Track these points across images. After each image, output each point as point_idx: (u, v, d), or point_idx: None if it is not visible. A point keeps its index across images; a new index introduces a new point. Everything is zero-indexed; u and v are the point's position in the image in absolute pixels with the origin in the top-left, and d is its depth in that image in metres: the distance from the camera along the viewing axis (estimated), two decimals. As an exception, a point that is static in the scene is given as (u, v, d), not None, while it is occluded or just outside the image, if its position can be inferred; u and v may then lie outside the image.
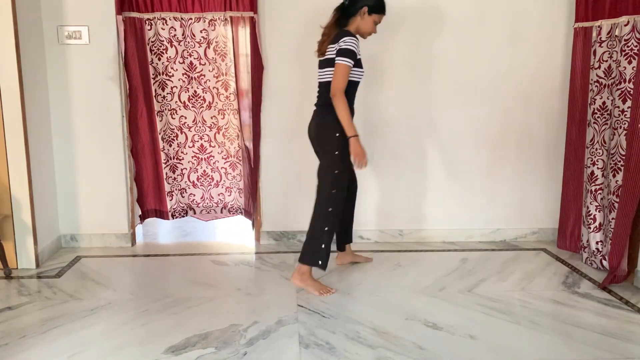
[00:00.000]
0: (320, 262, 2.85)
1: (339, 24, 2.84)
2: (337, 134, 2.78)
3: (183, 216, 3.90)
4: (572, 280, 3.08)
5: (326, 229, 2.83)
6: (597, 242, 3.24)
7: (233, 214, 3.94)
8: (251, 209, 3.76)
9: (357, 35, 2.83)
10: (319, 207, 2.86)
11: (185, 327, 2.49)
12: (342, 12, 2.85)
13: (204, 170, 3.84)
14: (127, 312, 2.67)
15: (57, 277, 3.13)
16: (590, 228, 3.28)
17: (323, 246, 2.83)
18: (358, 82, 2.86)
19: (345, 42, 2.71)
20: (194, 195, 3.88)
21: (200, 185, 3.87)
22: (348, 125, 2.74)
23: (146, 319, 2.58)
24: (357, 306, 2.74)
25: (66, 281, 3.07)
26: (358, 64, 2.79)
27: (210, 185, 3.88)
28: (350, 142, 2.75)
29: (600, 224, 3.24)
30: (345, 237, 3.29)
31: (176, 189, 3.84)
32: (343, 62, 2.70)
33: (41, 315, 2.63)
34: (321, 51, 2.85)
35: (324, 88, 2.85)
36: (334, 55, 2.75)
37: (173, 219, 3.87)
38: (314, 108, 2.97)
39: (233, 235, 4.00)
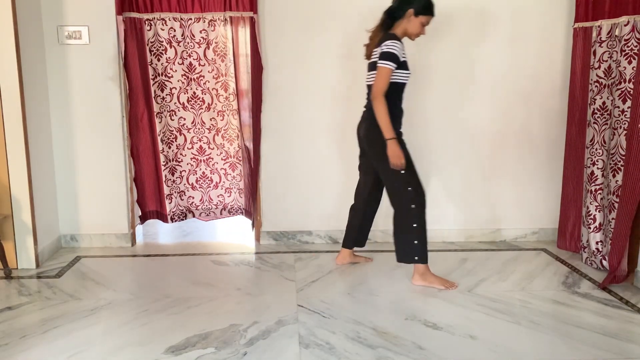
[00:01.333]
0: (416, 258, 2.92)
1: (385, 27, 2.87)
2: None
3: (182, 219, 3.89)
4: (572, 280, 3.08)
5: (414, 225, 2.88)
6: (597, 242, 3.24)
7: (233, 214, 3.94)
8: (251, 208, 3.76)
9: (403, 38, 2.87)
10: (400, 208, 2.90)
11: (185, 327, 2.49)
12: (388, 15, 2.87)
13: (203, 172, 3.83)
14: (127, 312, 2.67)
15: (57, 277, 3.13)
16: (590, 228, 3.28)
17: (416, 242, 2.90)
18: (405, 84, 2.89)
19: (387, 46, 2.75)
20: (193, 197, 3.87)
21: (200, 187, 3.86)
22: (386, 128, 2.77)
23: (146, 319, 2.58)
24: (357, 306, 2.74)
25: (66, 281, 3.07)
26: (403, 65, 2.82)
27: (210, 187, 3.87)
28: (387, 144, 2.78)
29: (600, 224, 3.24)
30: (358, 239, 3.29)
31: (175, 192, 3.82)
32: (383, 65, 2.75)
33: (41, 315, 2.63)
34: (367, 54, 2.92)
35: (370, 91, 2.88)
36: (377, 59, 2.80)
37: (172, 222, 3.86)
38: (364, 109, 3.01)
39: (233, 235, 4.00)
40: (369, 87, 2.92)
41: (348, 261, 3.32)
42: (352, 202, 3.29)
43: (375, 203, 3.21)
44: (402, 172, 2.83)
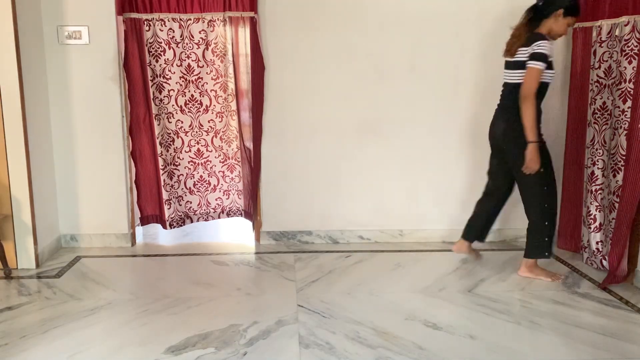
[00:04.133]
0: (546, 254, 3.03)
1: (531, 26, 2.86)
2: None
3: (181, 225, 3.84)
4: (572, 280, 3.08)
5: (546, 223, 2.98)
6: (597, 242, 3.24)
7: (232, 216, 3.92)
8: (251, 209, 3.75)
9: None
10: (534, 205, 2.98)
11: (185, 327, 2.49)
12: (534, 13, 2.87)
13: (201, 176, 3.79)
14: (127, 312, 2.67)
15: (57, 277, 3.13)
16: (590, 228, 3.28)
17: (546, 239, 2.99)
18: (548, 84, 2.91)
19: (539, 46, 2.76)
20: (191, 202, 3.82)
21: (197, 191, 3.82)
22: (530, 130, 2.81)
23: (146, 319, 2.58)
24: (357, 306, 2.73)
25: (66, 281, 3.07)
26: (550, 65, 2.83)
27: (207, 190, 3.83)
28: (528, 146, 2.82)
29: (600, 224, 3.24)
30: (478, 232, 3.29)
31: (174, 197, 3.77)
32: (535, 65, 2.76)
33: (41, 315, 2.63)
34: (511, 52, 2.90)
35: (512, 89, 2.90)
36: (525, 58, 2.80)
37: (171, 228, 3.80)
38: (497, 108, 3.06)
39: (233, 235, 4.00)
40: (508, 85, 2.95)
41: (464, 251, 3.30)
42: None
43: (502, 204, 3.24)
44: (541, 170, 2.87)
